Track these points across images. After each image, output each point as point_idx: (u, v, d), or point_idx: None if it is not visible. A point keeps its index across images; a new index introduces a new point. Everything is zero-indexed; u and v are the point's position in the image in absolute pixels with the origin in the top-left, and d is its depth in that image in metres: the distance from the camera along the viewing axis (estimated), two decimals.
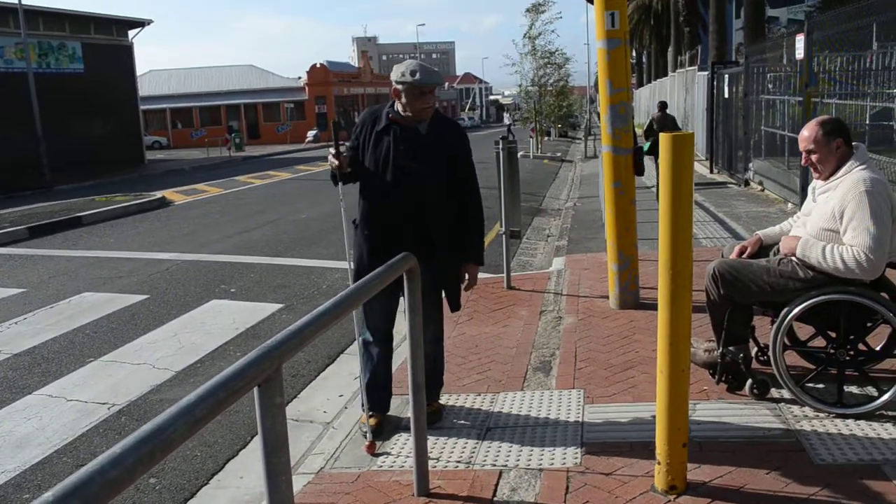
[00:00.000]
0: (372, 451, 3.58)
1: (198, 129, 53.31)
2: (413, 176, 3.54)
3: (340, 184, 3.67)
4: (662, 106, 14.76)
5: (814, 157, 3.55)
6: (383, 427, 3.81)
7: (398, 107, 3.57)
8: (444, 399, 4.08)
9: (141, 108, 34.51)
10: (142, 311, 6.87)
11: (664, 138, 2.75)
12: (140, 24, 32.69)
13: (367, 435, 3.67)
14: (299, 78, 57.82)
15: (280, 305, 6.84)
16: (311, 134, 49.76)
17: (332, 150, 3.56)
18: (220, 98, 54.83)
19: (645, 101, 33.47)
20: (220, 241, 10.71)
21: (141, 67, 35.54)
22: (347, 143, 3.75)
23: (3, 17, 25.75)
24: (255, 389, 1.79)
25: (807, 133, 3.56)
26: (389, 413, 3.93)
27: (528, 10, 27.90)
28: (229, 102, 54.81)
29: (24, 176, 23.00)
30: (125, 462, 1.28)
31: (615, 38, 5.44)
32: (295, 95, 55.72)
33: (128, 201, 15.75)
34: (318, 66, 56.12)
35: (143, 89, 41.70)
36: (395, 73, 3.51)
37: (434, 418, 3.77)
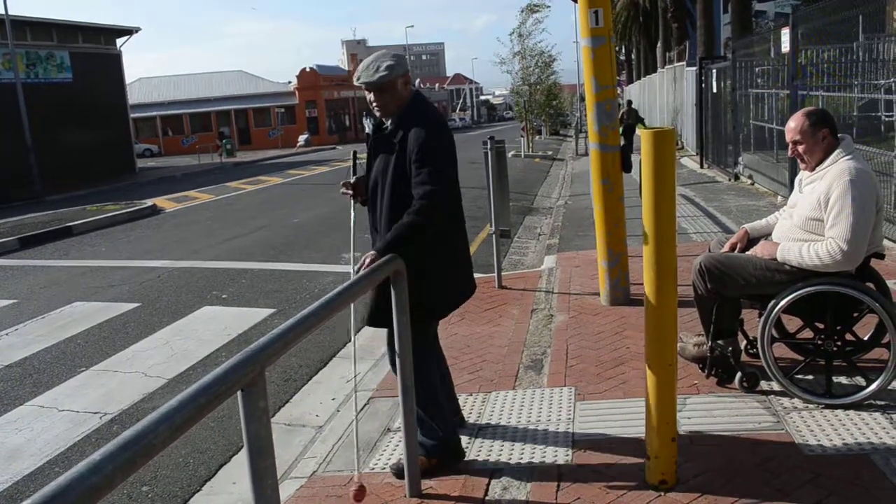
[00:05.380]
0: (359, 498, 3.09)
1: (188, 135, 53.20)
2: (371, 172, 3.49)
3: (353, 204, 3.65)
4: (629, 103, 22.27)
5: (800, 148, 3.56)
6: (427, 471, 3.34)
7: None
8: None
9: (131, 116, 34.41)
10: (133, 320, 6.85)
11: (646, 135, 2.75)
12: (128, 31, 32.59)
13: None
14: (289, 82, 57.82)
15: (272, 310, 6.83)
16: (302, 138, 49.75)
17: (349, 180, 3.56)
18: (210, 104, 54.72)
19: (635, 98, 33.52)
20: (212, 247, 10.69)
21: (130, 75, 35.40)
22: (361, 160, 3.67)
23: None
24: (239, 394, 1.79)
25: (793, 124, 3.58)
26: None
27: (523, 9, 27.68)
28: (220, 109, 54.71)
29: (15, 187, 22.88)
30: (104, 469, 1.29)
31: (600, 36, 5.46)
32: (285, 100, 55.68)
33: (119, 210, 15.70)
34: (307, 70, 56.11)
35: (133, 97, 41.60)
36: None
37: None
